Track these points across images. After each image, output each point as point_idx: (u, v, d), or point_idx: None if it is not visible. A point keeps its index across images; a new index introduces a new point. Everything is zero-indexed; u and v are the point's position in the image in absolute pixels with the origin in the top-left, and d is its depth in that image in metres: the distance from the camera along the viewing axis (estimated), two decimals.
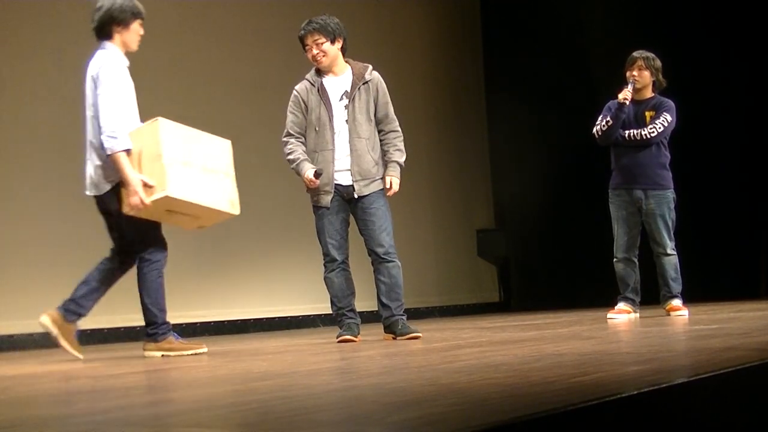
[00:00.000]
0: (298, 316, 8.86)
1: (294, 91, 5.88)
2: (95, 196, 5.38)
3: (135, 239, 5.34)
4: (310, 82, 5.84)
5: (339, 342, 5.69)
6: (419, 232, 10.04)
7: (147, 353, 5.31)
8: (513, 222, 10.77)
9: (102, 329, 7.74)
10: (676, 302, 6.84)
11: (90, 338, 7.64)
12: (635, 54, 6.87)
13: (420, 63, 10.35)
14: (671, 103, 6.88)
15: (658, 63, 6.88)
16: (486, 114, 10.89)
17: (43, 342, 7.40)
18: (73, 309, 5.44)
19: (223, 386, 3.42)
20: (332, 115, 5.75)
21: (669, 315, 6.76)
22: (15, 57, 7.55)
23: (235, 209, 5.41)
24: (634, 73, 6.80)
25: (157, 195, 5.02)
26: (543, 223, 10.57)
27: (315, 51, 5.73)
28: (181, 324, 8.19)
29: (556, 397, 2.53)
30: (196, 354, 5.30)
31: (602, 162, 7.16)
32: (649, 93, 6.90)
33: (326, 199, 5.77)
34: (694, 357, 3.60)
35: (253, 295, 8.76)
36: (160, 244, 5.41)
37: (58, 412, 2.90)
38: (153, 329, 5.32)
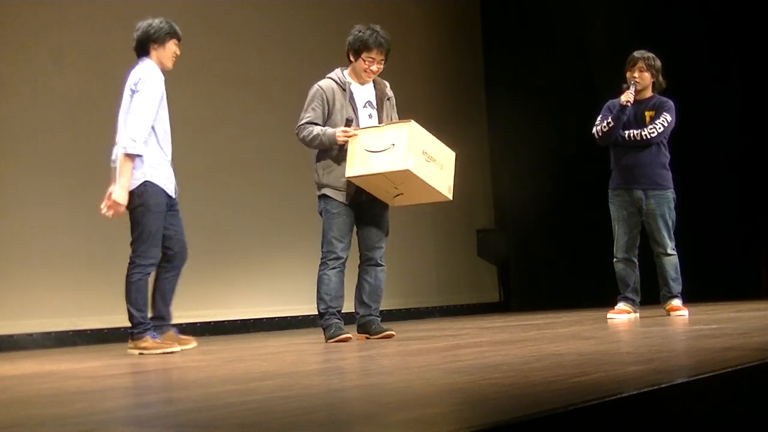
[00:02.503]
0: (298, 316, 8.86)
1: (318, 88, 5.83)
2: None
3: (135, 238, 5.62)
4: (338, 83, 5.83)
5: (336, 342, 5.67)
6: (419, 232, 10.04)
7: (129, 351, 5.56)
8: (513, 222, 10.77)
9: (102, 329, 7.75)
10: (676, 302, 6.83)
11: (90, 338, 7.65)
12: (635, 54, 6.86)
13: (420, 63, 10.35)
14: (671, 103, 6.88)
15: (658, 63, 6.88)
16: (486, 114, 10.89)
17: (43, 342, 7.41)
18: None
19: (223, 386, 3.41)
20: (358, 122, 5.80)
21: (669, 315, 6.76)
22: (15, 57, 7.55)
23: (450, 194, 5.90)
24: (635, 74, 6.79)
25: (400, 167, 5.58)
26: (543, 223, 10.56)
27: (375, 67, 5.85)
28: (181, 324, 8.19)
29: (556, 397, 2.53)
30: (165, 353, 5.46)
31: (602, 162, 7.16)
32: (648, 93, 6.89)
33: (344, 196, 5.76)
34: (694, 357, 3.59)
35: (253, 295, 8.76)
36: (156, 252, 5.64)
37: (58, 412, 2.90)
38: (132, 328, 5.57)
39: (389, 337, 5.76)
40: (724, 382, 2.81)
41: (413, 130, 5.63)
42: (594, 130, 6.86)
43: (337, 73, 5.89)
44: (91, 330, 7.69)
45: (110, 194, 5.66)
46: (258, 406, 2.68)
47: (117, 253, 7.93)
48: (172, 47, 5.74)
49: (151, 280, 5.71)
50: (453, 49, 10.76)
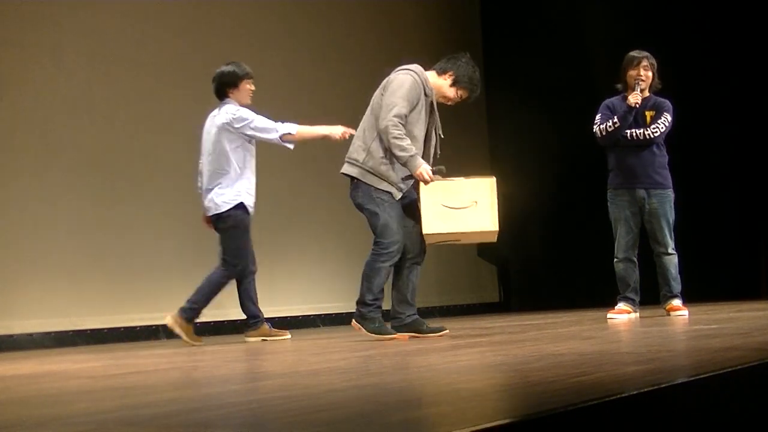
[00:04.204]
0: (298, 316, 8.86)
1: (416, 81, 5.68)
2: (215, 214, 6.60)
3: (230, 252, 6.58)
4: (424, 86, 5.71)
5: (385, 339, 5.54)
6: None
7: (249, 339, 6.65)
8: (513, 222, 10.75)
9: (102, 329, 7.75)
10: (677, 302, 6.83)
11: (90, 338, 7.65)
12: (636, 54, 6.83)
13: (420, 63, 10.33)
14: (669, 104, 6.87)
15: (655, 63, 6.87)
16: (486, 114, 10.88)
17: (43, 342, 7.41)
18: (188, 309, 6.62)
19: (223, 386, 3.41)
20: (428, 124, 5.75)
21: (669, 315, 6.76)
22: (15, 57, 7.55)
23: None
24: (641, 73, 6.77)
25: (484, 228, 5.54)
26: (543, 224, 10.56)
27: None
28: None
29: (556, 397, 2.53)
30: (282, 339, 6.60)
31: (602, 162, 7.16)
32: (647, 93, 6.88)
33: (397, 196, 5.67)
34: (694, 357, 3.59)
35: None
36: (250, 259, 6.62)
37: (58, 412, 2.90)
38: (253, 320, 6.67)
39: (445, 334, 5.71)
40: (724, 382, 2.80)
41: (494, 186, 5.54)
42: (596, 129, 6.83)
43: (424, 78, 5.76)
44: (91, 330, 7.69)
45: (206, 218, 6.66)
46: (258, 406, 2.68)
47: (117, 253, 7.96)
48: (246, 87, 6.58)
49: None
50: (453, 50, 10.73)
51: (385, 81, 5.83)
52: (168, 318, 6.56)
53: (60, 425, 2.55)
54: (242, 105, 6.55)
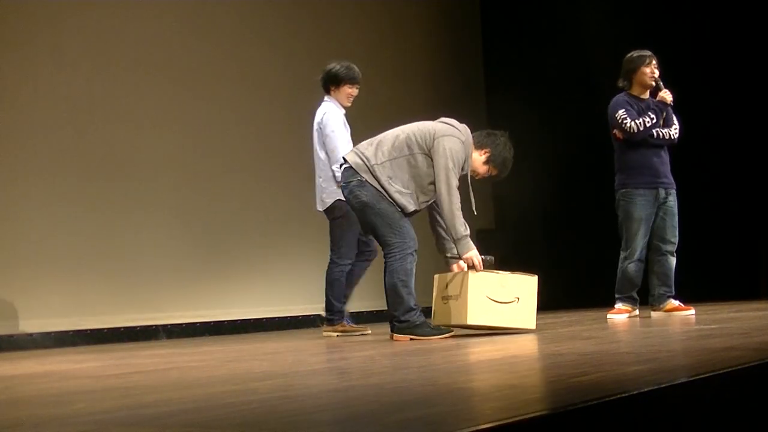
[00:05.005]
0: (298, 316, 8.87)
1: (463, 151, 5.68)
2: (324, 210, 6.68)
3: (335, 243, 6.62)
4: (465, 161, 5.71)
5: (445, 338, 5.51)
6: (419, 233, 10.02)
7: (325, 334, 6.57)
8: (513, 222, 10.76)
9: (102, 329, 7.75)
10: (677, 302, 6.83)
11: (90, 338, 7.65)
12: (645, 53, 6.79)
13: (420, 63, 10.35)
14: None
15: None
16: (486, 114, 10.89)
17: (43, 342, 7.41)
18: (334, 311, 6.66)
19: (223, 386, 3.41)
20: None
21: (671, 315, 6.73)
22: (15, 56, 7.56)
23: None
24: (656, 70, 6.77)
25: (524, 325, 5.61)
26: (543, 223, 10.55)
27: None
28: (181, 324, 8.22)
29: (556, 397, 2.53)
30: (362, 335, 6.48)
31: (603, 162, 7.15)
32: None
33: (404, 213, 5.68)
34: (694, 357, 3.59)
35: (253, 295, 8.76)
36: (351, 253, 6.62)
37: (58, 412, 2.90)
38: (330, 315, 6.61)
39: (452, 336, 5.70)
40: (724, 382, 2.81)
41: (536, 284, 5.61)
42: (631, 124, 6.69)
43: (469, 153, 5.75)
44: (91, 330, 7.70)
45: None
46: (258, 406, 2.68)
47: (117, 253, 7.95)
48: (346, 90, 6.65)
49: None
50: (453, 49, 10.76)
51: (434, 128, 5.71)
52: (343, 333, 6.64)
53: (60, 425, 2.55)
54: (341, 105, 6.66)
